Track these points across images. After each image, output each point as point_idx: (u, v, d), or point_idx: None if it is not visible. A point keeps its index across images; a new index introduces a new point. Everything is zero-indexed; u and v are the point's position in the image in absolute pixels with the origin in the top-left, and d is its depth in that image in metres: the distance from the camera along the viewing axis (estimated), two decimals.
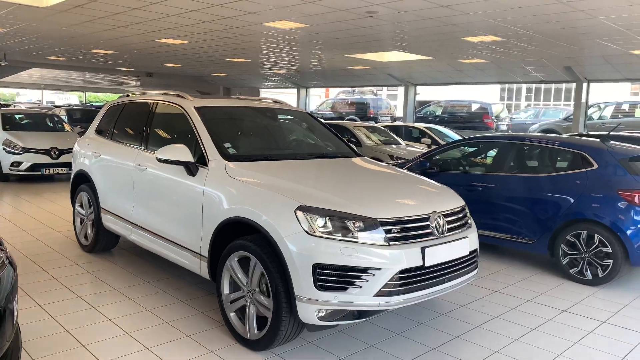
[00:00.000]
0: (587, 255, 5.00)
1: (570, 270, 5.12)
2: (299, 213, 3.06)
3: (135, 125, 4.91)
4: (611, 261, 4.86)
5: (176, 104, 4.38)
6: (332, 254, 2.96)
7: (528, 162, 6.01)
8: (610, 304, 4.50)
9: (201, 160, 3.84)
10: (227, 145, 3.98)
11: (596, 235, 4.94)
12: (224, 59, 16.30)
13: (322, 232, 3.01)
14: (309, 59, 16.01)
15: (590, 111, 17.15)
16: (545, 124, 19.10)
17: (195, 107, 4.21)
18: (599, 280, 4.95)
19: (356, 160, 4.46)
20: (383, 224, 3.10)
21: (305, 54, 14.69)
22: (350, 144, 4.83)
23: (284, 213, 3.11)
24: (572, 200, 5.15)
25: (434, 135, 13.58)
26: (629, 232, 4.77)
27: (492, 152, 6.54)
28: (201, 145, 3.89)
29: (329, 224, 3.04)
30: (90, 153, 5.31)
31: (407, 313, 4.05)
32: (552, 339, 3.71)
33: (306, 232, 3.01)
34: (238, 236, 3.43)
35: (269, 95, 28.35)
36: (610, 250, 4.85)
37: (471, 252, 3.58)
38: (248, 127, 4.71)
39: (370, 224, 3.08)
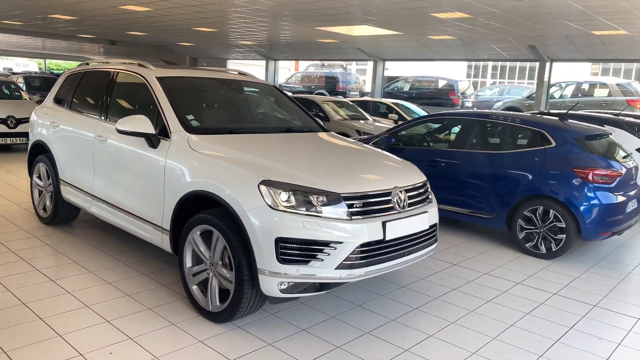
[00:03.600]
0: (542, 230, 5.20)
1: (526, 245, 5.32)
2: (262, 187, 3.06)
3: (95, 94, 4.76)
4: (564, 236, 5.07)
5: (138, 74, 4.26)
6: (295, 228, 2.98)
7: (490, 139, 6.15)
8: (562, 276, 4.71)
9: (163, 132, 3.76)
10: (190, 117, 3.91)
11: (551, 211, 5.13)
12: (190, 28, 15.87)
13: (286, 207, 3.03)
14: (277, 31, 15.75)
15: (551, 90, 17.56)
16: (508, 101, 19.50)
17: (157, 77, 4.10)
18: (553, 254, 5.16)
19: (322, 135, 4.46)
20: (346, 198, 3.14)
21: (274, 25, 14.44)
22: (317, 119, 4.82)
23: (247, 187, 3.10)
24: (530, 177, 5.31)
25: (400, 111, 13.68)
26: (582, 207, 4.98)
27: (456, 129, 6.65)
28: (163, 116, 3.81)
29: (292, 198, 3.05)
30: (48, 123, 5.13)
31: (368, 285, 4.14)
32: (506, 310, 3.87)
33: (269, 206, 3.02)
34: (201, 209, 3.41)
35: (237, 66, 27.85)
36: (564, 225, 5.05)
37: (431, 227, 3.67)
38: (212, 99, 4.63)
39: (333, 198, 3.11)
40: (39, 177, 5.29)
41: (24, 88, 13.04)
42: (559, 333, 3.54)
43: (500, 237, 5.88)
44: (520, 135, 5.92)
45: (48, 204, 5.17)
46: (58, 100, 5.27)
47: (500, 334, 3.46)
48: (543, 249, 5.20)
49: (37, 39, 23.31)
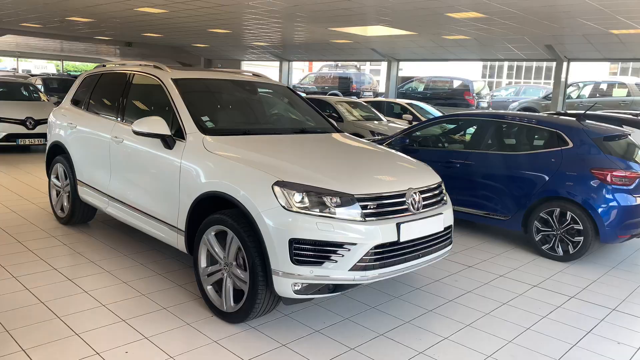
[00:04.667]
0: (559, 232, 5.13)
1: (543, 247, 5.25)
2: (277, 188, 3.07)
3: (111, 96, 4.82)
4: (582, 238, 4.99)
5: (153, 75, 4.30)
6: (308, 229, 2.98)
7: (506, 139, 6.09)
8: (579, 279, 4.64)
9: (178, 133, 3.79)
10: (205, 118, 3.94)
11: (568, 213, 5.06)
12: (204, 30, 15.98)
13: (299, 208, 3.03)
14: (291, 32, 15.79)
15: (569, 90, 17.34)
16: (524, 102, 19.31)
17: (172, 79, 4.14)
18: (570, 257, 5.09)
19: (336, 135, 4.46)
20: (359, 199, 3.13)
21: (288, 26, 14.48)
22: (330, 120, 4.82)
23: (262, 188, 3.11)
24: (547, 178, 5.25)
25: (415, 112, 13.61)
26: (600, 210, 4.90)
27: (471, 130, 6.59)
28: (178, 118, 3.84)
29: (306, 199, 3.06)
30: (65, 124, 5.21)
31: (383, 287, 4.13)
32: (522, 313, 3.83)
33: (283, 207, 3.02)
34: (215, 210, 3.43)
35: (251, 67, 27.98)
36: (581, 228, 4.98)
37: (446, 228, 3.64)
38: (227, 101, 4.65)
39: (347, 199, 3.10)
40: (57, 178, 5.36)
41: (42, 89, 13.24)
42: (577, 337, 3.49)
43: (516, 240, 5.81)
44: (536, 136, 5.85)
45: (65, 204, 5.24)
46: (75, 102, 5.34)
47: (515, 337, 3.43)
48: (560, 251, 5.13)
49: (56, 41, 23.67)
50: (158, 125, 3.76)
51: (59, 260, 4.34)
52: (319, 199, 3.07)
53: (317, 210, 3.04)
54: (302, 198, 3.05)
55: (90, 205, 4.96)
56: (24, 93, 11.10)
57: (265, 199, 3.07)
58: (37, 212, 5.74)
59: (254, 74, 5.05)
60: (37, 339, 3.03)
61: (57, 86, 15.36)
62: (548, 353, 3.24)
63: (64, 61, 40.95)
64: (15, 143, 9.59)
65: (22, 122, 9.62)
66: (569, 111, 11.16)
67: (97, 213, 5.33)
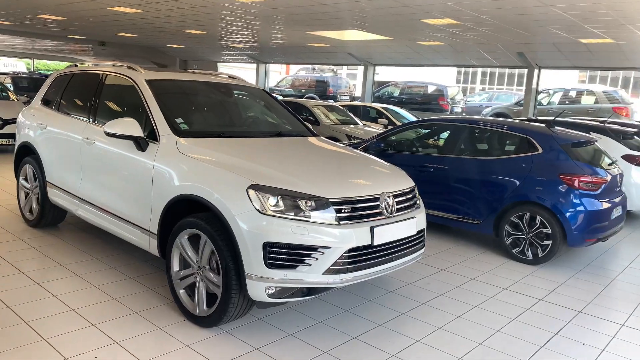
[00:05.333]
0: (528, 236, 5.25)
1: (513, 250, 5.36)
2: (251, 192, 3.06)
3: (83, 96, 4.73)
4: (550, 242, 5.12)
5: (126, 76, 4.24)
6: (283, 233, 2.98)
7: (478, 144, 6.20)
8: (548, 282, 4.76)
9: (151, 135, 3.75)
10: (178, 120, 3.91)
11: (538, 217, 5.18)
12: (180, 30, 15.83)
13: (274, 211, 3.03)
14: (268, 34, 15.77)
15: (540, 97, 17.76)
16: (497, 107, 19.68)
17: (146, 80, 4.09)
18: (539, 260, 5.21)
19: (311, 139, 4.47)
20: (334, 203, 3.15)
21: (264, 28, 14.46)
22: (306, 123, 4.83)
23: (236, 191, 3.10)
24: (517, 183, 5.36)
25: (390, 116, 13.74)
26: (567, 214, 5.03)
27: (445, 135, 6.69)
28: (152, 119, 3.80)
29: (280, 203, 3.06)
30: (35, 124, 5.09)
31: (356, 290, 4.15)
32: (492, 316, 3.90)
33: (258, 210, 3.02)
34: (188, 213, 3.40)
35: (228, 69, 27.79)
36: (550, 231, 5.11)
37: (418, 232, 3.69)
38: (202, 103, 4.62)
39: (321, 203, 3.11)
40: (26, 179, 5.23)
41: (12, 88, 12.89)
42: (544, 339, 3.58)
43: (488, 243, 5.92)
44: (507, 142, 5.98)
45: (34, 206, 5.12)
46: (46, 102, 5.23)
47: (486, 340, 3.49)
48: (529, 254, 5.25)
49: (26, 39, 23.10)
50: (130, 126, 3.71)
51: (26, 263, 4.24)
52: (293, 202, 3.07)
53: (292, 213, 3.05)
54: (277, 201, 3.05)
55: (60, 208, 4.86)
56: None
57: (239, 202, 3.06)
58: (4, 214, 5.59)
59: (230, 76, 5.03)
60: (3, 344, 2.95)
61: (27, 85, 15.00)
62: (517, 355, 3.31)
63: (34, 59, 39.99)
64: None
65: None
66: (539, 117, 11.44)
67: (67, 215, 5.21)
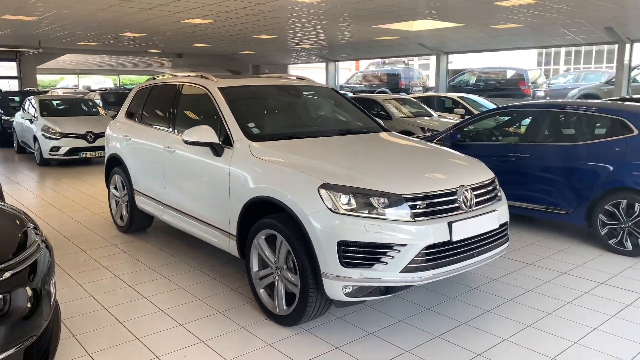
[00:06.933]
0: (627, 225, 4.82)
1: (610, 241, 4.95)
2: (322, 191, 3.05)
3: (162, 107, 4.98)
4: None
5: (200, 85, 4.40)
6: (356, 231, 2.95)
7: (564, 130, 5.79)
8: None
9: (226, 140, 3.86)
10: (251, 125, 3.99)
11: (637, 204, 4.75)
12: (250, 36, 16.25)
13: (346, 210, 3.00)
14: (336, 32, 15.77)
15: (634, 73, 16.32)
16: (585, 88, 18.34)
17: (219, 88, 4.22)
18: None
19: (382, 135, 4.40)
20: (408, 199, 3.06)
21: (332, 26, 14.47)
22: (376, 119, 4.76)
23: (308, 191, 3.10)
24: (611, 169, 4.95)
25: (467, 105, 13.24)
26: None
27: (526, 121, 6.32)
28: (226, 126, 3.91)
29: (352, 201, 3.02)
30: (121, 136, 5.42)
31: (438, 287, 4.02)
32: (588, 312, 3.62)
33: (330, 209, 3.00)
34: (265, 214, 3.46)
35: (298, 70, 28.20)
36: None
37: (501, 226, 3.50)
38: (272, 106, 4.70)
39: (394, 199, 3.04)
40: (116, 188, 5.60)
41: (101, 104, 13.89)
42: None
43: (580, 234, 5.52)
44: (597, 125, 5.53)
45: (124, 213, 5.46)
46: (129, 115, 5.56)
47: (582, 339, 3.24)
48: (629, 245, 4.82)
49: (111, 56, 24.85)
50: (207, 134, 3.84)
51: (120, 267, 4.53)
52: (365, 200, 3.02)
53: (365, 211, 3.00)
54: (349, 200, 3.02)
55: (147, 214, 5.14)
56: (84, 108, 11.71)
57: (311, 202, 3.06)
58: (99, 222, 6.02)
59: (298, 78, 5.07)
60: (101, 344, 3.16)
61: (114, 100, 16.07)
62: (617, 354, 3.04)
63: (120, 75, 42.89)
64: (77, 156, 10.13)
65: (83, 136, 10.14)
66: (634, 96, 10.50)
67: (154, 220, 5.51)
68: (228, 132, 3.87)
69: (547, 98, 19.23)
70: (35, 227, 2.84)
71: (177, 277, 4.28)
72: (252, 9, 11.10)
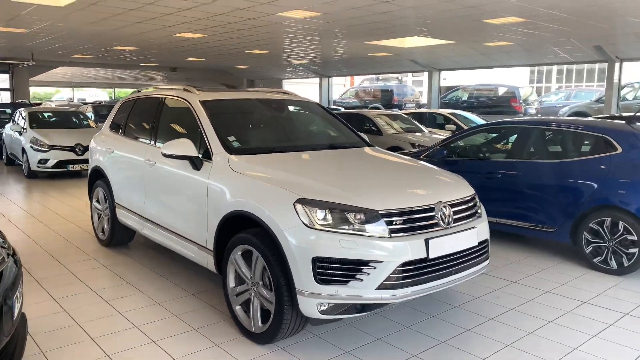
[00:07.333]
0: (611, 244, 4.79)
1: (594, 260, 4.92)
2: (298, 206, 3.01)
3: (145, 120, 4.94)
4: (637, 249, 4.64)
5: (183, 99, 4.37)
6: (331, 247, 2.90)
7: (549, 147, 5.79)
8: (635, 294, 4.30)
9: (206, 154, 3.82)
10: (231, 138, 3.95)
11: (621, 222, 4.72)
12: (243, 51, 16.31)
13: (322, 225, 2.95)
14: (329, 48, 15.86)
15: (624, 92, 16.47)
16: (575, 106, 18.49)
17: (200, 101, 4.19)
18: (624, 270, 4.74)
19: (366, 150, 4.37)
20: (385, 215, 3.02)
21: (325, 42, 14.55)
22: (361, 134, 4.74)
23: (284, 206, 3.06)
24: (595, 186, 4.93)
25: (458, 122, 13.30)
26: None
27: (513, 138, 6.32)
28: (205, 139, 3.87)
29: (329, 216, 2.98)
30: (104, 149, 5.37)
31: (418, 305, 3.97)
32: (570, 332, 3.57)
33: (305, 225, 2.96)
34: (242, 229, 3.41)
35: (292, 86, 28.32)
36: (636, 238, 4.63)
37: (480, 243, 3.46)
38: (254, 120, 4.66)
39: (371, 215, 3.00)
40: (98, 201, 5.53)
41: (93, 117, 13.85)
42: (632, 358, 3.21)
43: (565, 252, 5.48)
44: (582, 142, 5.53)
45: (106, 226, 5.38)
46: (113, 127, 5.51)
47: (561, 359, 3.18)
48: (614, 264, 4.79)
49: (106, 70, 24.87)
50: (185, 147, 3.80)
51: (98, 281, 4.44)
52: (342, 215, 2.98)
53: (341, 227, 2.96)
54: (325, 215, 2.98)
55: (129, 227, 5.07)
56: (75, 121, 11.66)
57: (287, 217, 3.02)
58: (81, 235, 5.93)
59: (283, 92, 5.06)
60: None
61: (106, 113, 16.01)
62: None
63: (116, 88, 42.92)
64: (66, 169, 10.05)
65: (71, 149, 10.08)
66: (623, 114, 10.56)
67: (137, 235, 5.43)
68: (208, 145, 3.83)
69: (539, 115, 19.35)
70: (3, 240, 2.77)
71: (154, 292, 4.20)
72: (243, 23, 11.15)
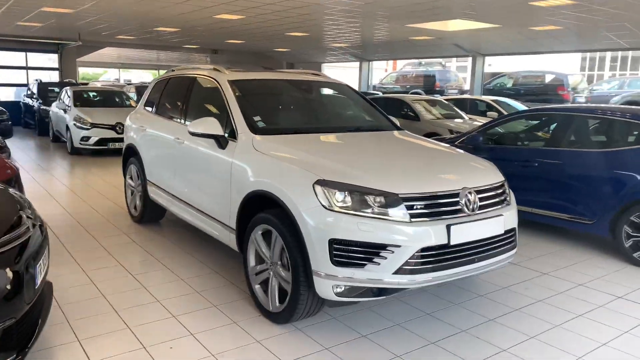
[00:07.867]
0: None
1: (634, 254, 4.68)
2: (317, 187, 2.97)
3: (176, 99, 5.00)
4: None
5: (212, 78, 4.38)
6: (349, 230, 2.85)
7: (590, 135, 5.51)
8: None
9: (232, 133, 3.83)
10: (257, 118, 3.94)
11: None
12: (282, 34, 16.25)
13: (341, 207, 2.91)
14: (370, 31, 15.60)
15: None
16: (628, 95, 17.60)
17: (229, 81, 4.19)
18: None
19: (394, 133, 4.28)
20: (405, 199, 2.95)
21: (365, 25, 14.32)
22: (390, 117, 4.64)
23: (303, 187, 3.03)
24: (639, 178, 4.67)
25: (501, 109, 12.89)
26: None
27: (553, 125, 6.06)
28: (231, 118, 3.88)
29: (348, 198, 2.93)
30: (137, 127, 5.48)
31: (443, 293, 3.88)
32: (600, 327, 3.41)
33: (324, 206, 2.92)
34: (263, 209, 3.41)
35: (331, 69, 28.13)
36: None
37: (507, 231, 3.34)
38: (281, 100, 4.64)
39: (391, 199, 2.93)
40: (131, 178, 5.66)
41: (135, 97, 14.18)
42: None
43: (602, 246, 5.24)
44: (628, 131, 5.23)
45: (138, 203, 5.52)
46: (147, 105, 5.61)
47: (587, 354, 3.05)
48: None
49: (152, 51, 25.35)
50: (211, 126, 3.82)
51: (126, 256, 4.56)
52: (361, 198, 2.93)
53: (360, 210, 2.90)
54: (344, 197, 2.93)
55: (159, 205, 5.17)
56: (117, 100, 11.97)
57: (306, 198, 2.99)
58: (116, 211, 6.11)
59: (313, 73, 5.00)
60: (93, 331, 3.17)
61: None
62: None
63: (160, 70, 43.84)
64: (106, 147, 10.36)
65: (112, 127, 10.37)
66: None
67: (168, 212, 5.54)
68: (233, 124, 3.83)
69: (588, 104, 18.52)
70: (31, 211, 2.87)
71: (180, 268, 4.28)
72: (281, 4, 11.08)
